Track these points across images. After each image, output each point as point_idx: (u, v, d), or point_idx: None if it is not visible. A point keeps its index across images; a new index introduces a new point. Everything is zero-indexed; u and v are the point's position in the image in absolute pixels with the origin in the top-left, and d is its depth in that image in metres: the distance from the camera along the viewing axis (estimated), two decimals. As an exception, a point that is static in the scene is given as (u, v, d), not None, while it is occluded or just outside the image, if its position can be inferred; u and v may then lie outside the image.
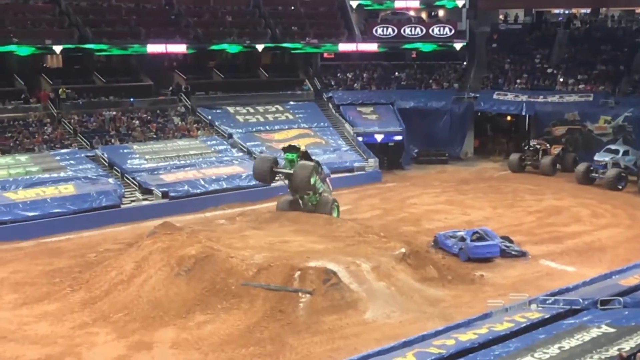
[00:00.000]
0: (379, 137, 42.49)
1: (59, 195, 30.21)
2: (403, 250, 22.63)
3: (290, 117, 42.63)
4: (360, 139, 41.78)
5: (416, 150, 44.23)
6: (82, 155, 33.88)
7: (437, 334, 13.69)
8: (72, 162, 32.92)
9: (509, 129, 47.59)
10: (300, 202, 28.14)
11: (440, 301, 20.58)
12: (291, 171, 27.56)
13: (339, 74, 47.47)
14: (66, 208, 29.63)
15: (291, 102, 43.98)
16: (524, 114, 44.26)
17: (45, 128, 35.41)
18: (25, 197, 29.57)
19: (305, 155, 28.76)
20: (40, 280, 22.72)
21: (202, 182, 33.66)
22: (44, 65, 41.90)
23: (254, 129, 40.52)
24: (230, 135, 39.26)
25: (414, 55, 49.25)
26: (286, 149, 29.02)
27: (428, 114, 44.47)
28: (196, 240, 22.23)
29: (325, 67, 48.03)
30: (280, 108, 43.14)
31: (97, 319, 19.37)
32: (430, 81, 47.05)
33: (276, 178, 29.29)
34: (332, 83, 46.68)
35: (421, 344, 12.93)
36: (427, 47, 46.46)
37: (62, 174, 31.77)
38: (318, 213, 27.30)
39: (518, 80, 45.61)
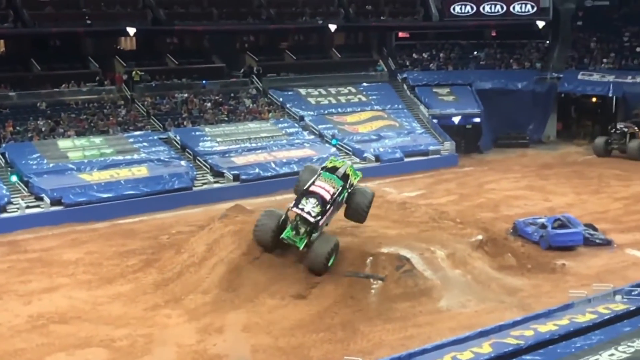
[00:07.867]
0: (455, 120, 41.37)
1: (132, 177, 30.44)
2: (480, 237, 21.98)
3: (363, 99, 41.88)
4: (435, 121, 40.78)
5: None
6: (155, 137, 34.13)
7: (515, 324, 13.08)
8: (145, 144, 33.20)
9: (594, 111, 45.43)
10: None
11: (518, 290, 19.81)
12: (300, 246, 19.62)
13: (414, 54, 46.30)
14: (139, 190, 29.80)
15: (364, 84, 43.22)
16: (610, 95, 42.35)
17: (119, 110, 35.78)
18: (100, 178, 29.97)
19: (346, 178, 20.86)
20: (113, 262, 22.87)
21: (273, 165, 33.40)
22: (118, 47, 42.33)
23: (326, 112, 39.97)
24: (301, 118, 38.83)
25: (493, 34, 47.78)
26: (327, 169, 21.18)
27: (508, 95, 42.83)
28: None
29: (399, 46, 46.95)
30: (353, 90, 42.43)
31: (169, 301, 19.31)
32: (511, 61, 45.35)
33: None
34: (407, 63, 45.52)
35: (498, 334, 12.38)
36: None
37: (135, 156, 32.07)
38: (310, 259, 19.51)
39: (605, 60, 43.49)
